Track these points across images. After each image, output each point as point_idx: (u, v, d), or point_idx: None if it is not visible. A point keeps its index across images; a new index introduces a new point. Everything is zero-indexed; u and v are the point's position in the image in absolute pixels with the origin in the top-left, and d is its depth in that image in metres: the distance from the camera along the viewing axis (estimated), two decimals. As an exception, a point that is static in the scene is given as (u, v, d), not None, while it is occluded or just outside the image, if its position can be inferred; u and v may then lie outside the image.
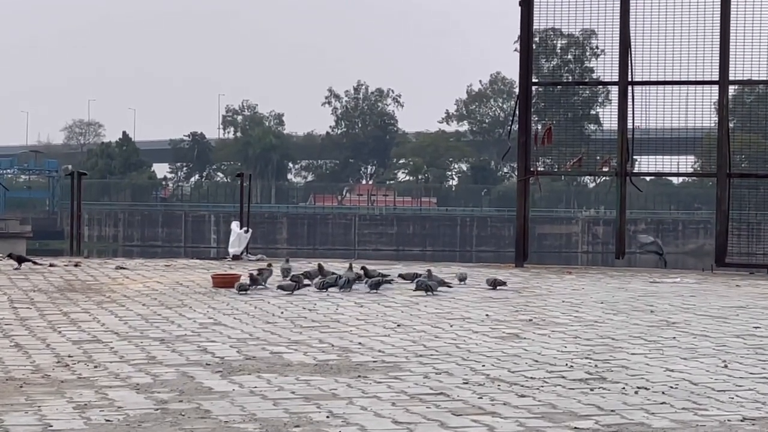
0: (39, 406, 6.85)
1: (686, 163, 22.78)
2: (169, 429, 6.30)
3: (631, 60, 19.24)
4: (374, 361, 8.74)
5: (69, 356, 8.80)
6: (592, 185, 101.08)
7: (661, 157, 20.91)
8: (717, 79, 19.05)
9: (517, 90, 20.96)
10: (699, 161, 26.19)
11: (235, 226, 20.94)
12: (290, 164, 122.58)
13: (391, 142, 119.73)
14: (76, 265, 17.29)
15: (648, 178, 70.48)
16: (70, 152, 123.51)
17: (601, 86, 24.81)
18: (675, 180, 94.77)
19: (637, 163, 20.96)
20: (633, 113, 19.33)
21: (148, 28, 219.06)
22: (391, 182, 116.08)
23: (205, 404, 6.96)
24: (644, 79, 19.45)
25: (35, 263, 17.04)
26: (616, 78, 19.54)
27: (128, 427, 6.33)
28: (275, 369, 8.35)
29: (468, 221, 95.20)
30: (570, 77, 30.55)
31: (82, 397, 7.17)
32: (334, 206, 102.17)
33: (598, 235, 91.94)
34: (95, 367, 8.34)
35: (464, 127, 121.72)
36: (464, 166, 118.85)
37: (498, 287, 14.67)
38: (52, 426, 6.31)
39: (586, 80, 28.19)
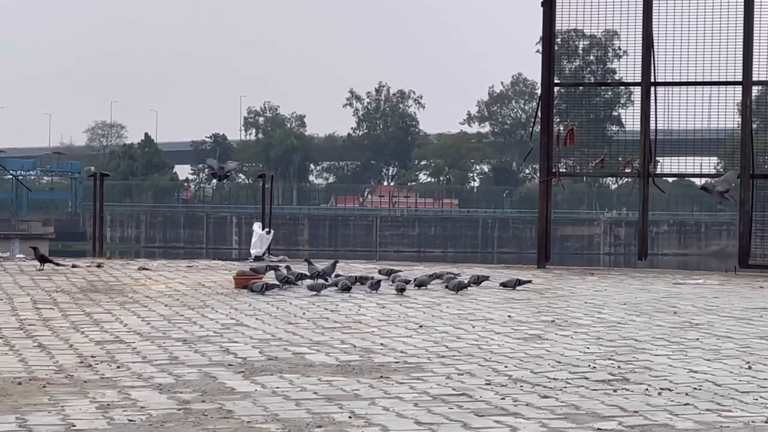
0: (62, 406, 6.87)
1: (709, 164, 22.68)
2: (192, 429, 6.31)
3: (653, 61, 19.17)
4: (396, 362, 8.73)
5: (92, 356, 8.82)
6: (614, 187, 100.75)
7: (683, 158, 20.83)
8: (740, 80, 18.95)
9: (539, 91, 20.91)
10: (722, 162, 26.09)
11: (257, 227, 20.96)
12: (312, 166, 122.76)
13: (412, 143, 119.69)
14: (98, 266, 17.33)
15: (670, 180, 70.18)
16: (93, 154, 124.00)
17: (623, 87, 24.79)
18: (698, 181, 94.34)
19: (659, 164, 20.88)
20: (656, 114, 19.27)
21: (169, 30, 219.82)
22: (413, 184, 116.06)
23: (228, 404, 6.97)
24: (667, 80, 19.37)
25: (58, 264, 17.09)
26: (638, 79, 19.46)
27: (151, 427, 6.34)
28: (297, 369, 8.35)
29: (490, 223, 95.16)
30: (592, 78, 30.49)
31: (105, 397, 7.19)
32: (356, 207, 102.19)
33: (620, 237, 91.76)
34: (118, 367, 8.36)
35: (486, 128, 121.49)
36: (486, 168, 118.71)
37: (506, 286, 14.67)
38: (75, 426, 6.33)
39: (609, 81, 28.14)
